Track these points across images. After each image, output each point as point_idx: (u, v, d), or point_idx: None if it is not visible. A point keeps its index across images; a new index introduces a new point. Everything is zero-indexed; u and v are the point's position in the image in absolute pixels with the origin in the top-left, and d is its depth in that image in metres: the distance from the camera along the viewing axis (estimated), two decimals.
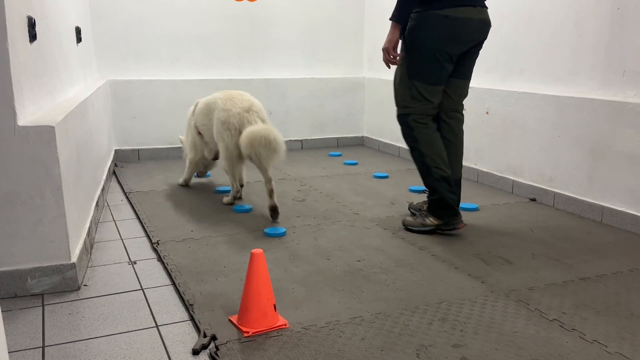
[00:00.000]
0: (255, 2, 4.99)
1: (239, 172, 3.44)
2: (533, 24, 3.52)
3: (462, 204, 3.36)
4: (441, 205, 2.86)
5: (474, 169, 4.07)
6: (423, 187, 3.71)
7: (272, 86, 5.19)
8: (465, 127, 4.20)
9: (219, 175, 4.20)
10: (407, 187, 3.87)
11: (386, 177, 4.20)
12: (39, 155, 2.08)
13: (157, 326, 1.96)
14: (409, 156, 4.83)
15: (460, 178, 2.96)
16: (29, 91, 2.19)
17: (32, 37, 2.26)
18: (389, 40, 2.76)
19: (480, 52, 4.05)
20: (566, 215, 3.25)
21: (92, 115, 3.30)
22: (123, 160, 4.72)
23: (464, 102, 3.00)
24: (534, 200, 3.54)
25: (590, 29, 3.14)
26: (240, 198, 3.55)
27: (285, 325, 1.93)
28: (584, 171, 3.21)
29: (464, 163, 4.19)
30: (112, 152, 4.58)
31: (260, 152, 3.04)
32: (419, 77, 2.79)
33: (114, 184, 4.02)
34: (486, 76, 3.96)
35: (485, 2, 2.77)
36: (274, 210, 3.13)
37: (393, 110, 5.07)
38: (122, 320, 2.00)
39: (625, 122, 2.94)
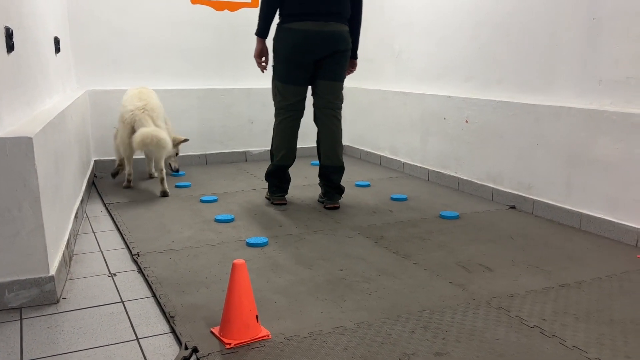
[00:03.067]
0: (235, 12, 4.99)
1: (129, 157, 4.04)
2: (510, 34, 3.57)
3: (443, 212, 3.40)
4: (270, 186, 3.68)
5: (454, 177, 4.11)
6: (405, 196, 3.79)
7: (253, 95, 5.19)
8: (445, 135, 4.26)
9: (203, 185, 4.19)
10: (389, 195, 3.88)
11: (368, 185, 4.21)
12: (16, 167, 2.05)
13: (137, 339, 1.94)
14: (390, 165, 4.88)
15: (335, 166, 3.53)
16: (6, 102, 2.16)
17: (10, 47, 2.24)
18: (254, 50, 3.50)
19: (459, 61, 4.12)
20: (545, 222, 3.29)
21: (71, 125, 3.26)
22: (103, 171, 4.67)
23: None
24: (513, 207, 3.58)
25: (567, 39, 3.20)
26: (130, 181, 4.12)
27: (268, 336, 1.92)
28: (562, 179, 3.26)
29: (443, 171, 4.27)
30: (92, 163, 4.53)
31: (151, 149, 3.80)
32: (277, 77, 3.46)
33: (93, 195, 3.98)
34: (465, 86, 4.01)
35: (336, 17, 3.29)
36: (164, 194, 3.88)
37: (374, 119, 5.13)
38: (101, 333, 1.98)
39: (602, 130, 2.99)
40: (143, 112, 3.82)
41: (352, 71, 3.65)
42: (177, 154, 4.58)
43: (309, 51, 3.31)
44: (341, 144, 3.55)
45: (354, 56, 3.58)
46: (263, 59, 3.51)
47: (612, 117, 2.93)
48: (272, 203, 3.66)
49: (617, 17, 2.91)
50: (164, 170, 3.90)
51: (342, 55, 3.40)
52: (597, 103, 3.06)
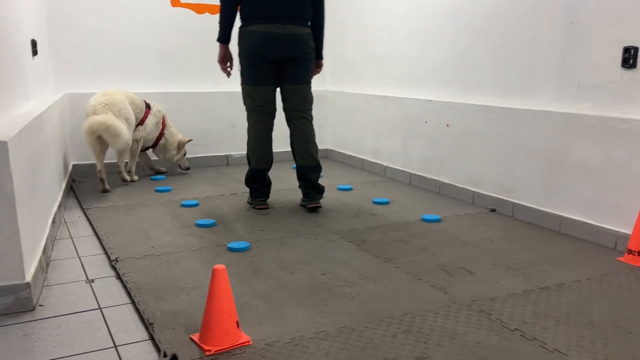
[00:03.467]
0: (216, 15, 4.95)
1: (98, 154, 3.98)
2: (490, 39, 3.60)
3: (424, 215, 3.41)
4: (250, 190, 3.66)
5: (435, 180, 4.12)
6: (387, 199, 3.79)
7: (234, 99, 5.15)
8: (426, 139, 4.27)
9: (183, 189, 4.15)
10: (371, 199, 3.88)
11: (350, 189, 4.21)
12: None
13: (115, 346, 1.91)
14: (373, 169, 4.88)
15: (310, 165, 3.54)
16: None
17: None
18: (218, 55, 3.54)
19: (440, 66, 4.13)
20: (525, 225, 3.31)
21: (48, 129, 3.21)
22: (81, 175, 4.61)
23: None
24: (494, 210, 3.60)
25: (545, 43, 3.23)
26: (102, 181, 4.04)
27: (249, 342, 1.90)
28: (542, 182, 3.28)
29: (425, 175, 4.28)
30: (70, 167, 4.47)
31: (106, 138, 3.86)
32: (244, 80, 3.50)
33: (71, 199, 3.92)
34: (445, 90, 4.03)
35: (295, 20, 3.34)
36: (123, 180, 4.28)
37: (356, 123, 5.13)
38: (79, 341, 1.94)
39: (581, 133, 3.02)
40: (104, 106, 3.87)
41: (318, 72, 3.69)
42: (184, 154, 4.78)
43: (269, 52, 3.34)
44: (314, 143, 3.56)
45: (319, 56, 3.63)
46: (228, 64, 3.56)
47: (590, 121, 2.96)
48: (253, 207, 3.64)
49: (595, 21, 2.94)
50: (124, 161, 4.10)
51: (305, 57, 3.44)
52: (576, 107, 3.09)
